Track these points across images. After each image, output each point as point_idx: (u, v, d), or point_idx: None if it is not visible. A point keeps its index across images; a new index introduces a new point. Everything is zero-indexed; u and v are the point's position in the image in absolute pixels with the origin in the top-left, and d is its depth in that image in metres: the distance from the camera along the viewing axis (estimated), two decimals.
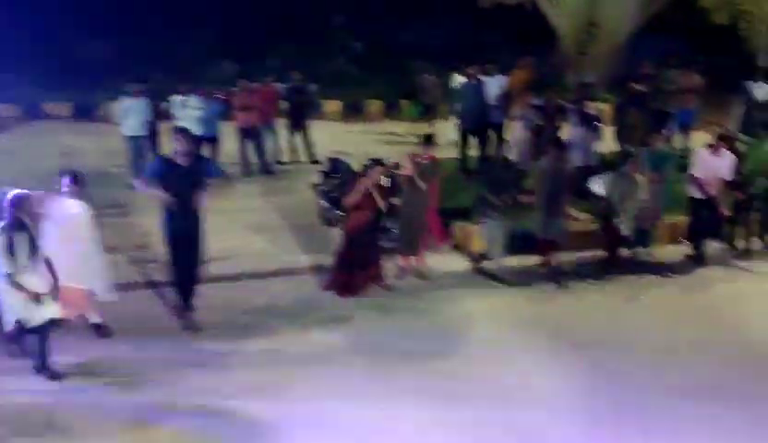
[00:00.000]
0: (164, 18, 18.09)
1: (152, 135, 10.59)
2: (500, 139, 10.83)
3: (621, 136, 10.24)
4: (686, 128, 11.90)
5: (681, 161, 9.36)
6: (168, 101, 10.85)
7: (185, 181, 6.29)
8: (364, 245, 7.23)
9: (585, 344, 6.49)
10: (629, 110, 10.41)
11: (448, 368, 6.01)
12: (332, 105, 17.00)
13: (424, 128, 13.79)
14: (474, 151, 10.88)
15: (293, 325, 6.68)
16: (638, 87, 10.40)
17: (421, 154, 7.60)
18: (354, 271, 7.24)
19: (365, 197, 7.05)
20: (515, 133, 9.64)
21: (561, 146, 8.09)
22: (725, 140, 8.23)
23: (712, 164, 8.18)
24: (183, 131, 6.72)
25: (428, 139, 7.83)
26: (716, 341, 6.64)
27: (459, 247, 8.53)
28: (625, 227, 7.84)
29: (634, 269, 8.23)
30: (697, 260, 8.49)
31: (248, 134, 11.33)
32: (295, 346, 6.32)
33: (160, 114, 10.79)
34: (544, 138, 9.53)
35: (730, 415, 5.42)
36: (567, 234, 7.97)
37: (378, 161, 7.42)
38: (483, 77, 10.82)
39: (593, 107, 9.72)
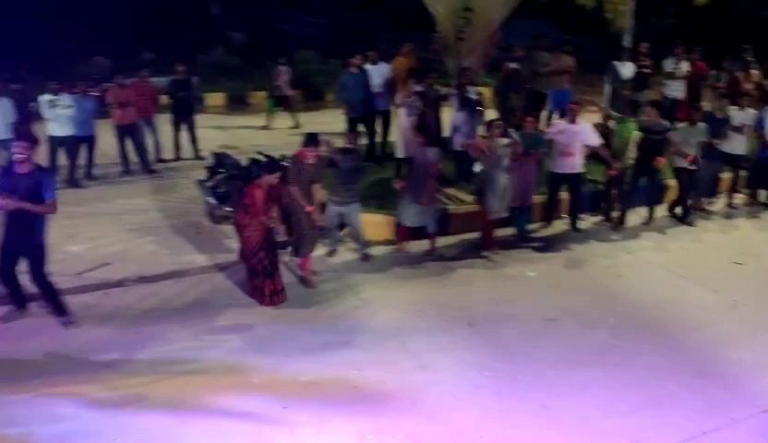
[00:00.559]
0: (29, 12, 16.91)
1: None
2: (387, 127, 10.95)
3: (502, 118, 10.58)
4: (562, 109, 12.49)
5: None
6: (37, 101, 10.16)
7: (22, 190, 5.89)
8: (271, 248, 6.93)
9: (477, 321, 6.70)
10: (507, 93, 10.78)
11: (347, 359, 6.03)
12: (216, 98, 16.60)
13: (312, 119, 13.85)
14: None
15: (187, 329, 6.46)
16: (512, 65, 10.76)
17: (306, 154, 7.31)
18: (275, 276, 6.95)
19: (262, 203, 6.75)
20: (399, 120, 9.74)
21: (426, 133, 8.27)
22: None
23: (571, 132, 8.72)
24: (23, 137, 6.20)
25: (313, 138, 7.43)
26: (599, 311, 7.00)
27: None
28: (498, 207, 8.15)
29: (517, 245, 8.61)
30: (574, 229, 9.09)
31: (127, 131, 10.84)
32: (190, 351, 6.12)
33: (30, 116, 10.09)
34: (427, 125, 9.74)
35: (614, 379, 5.76)
36: (435, 220, 8.15)
37: (271, 162, 7.23)
38: (367, 66, 10.86)
39: (474, 91, 9.97)
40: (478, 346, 6.28)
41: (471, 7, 10.08)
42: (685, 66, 12.22)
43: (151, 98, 11.34)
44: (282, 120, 13.96)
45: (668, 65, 12.26)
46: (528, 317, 6.84)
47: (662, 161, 9.01)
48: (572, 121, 8.85)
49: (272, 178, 6.86)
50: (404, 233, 8.33)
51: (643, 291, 7.50)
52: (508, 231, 8.78)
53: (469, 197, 9.07)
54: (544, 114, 11.69)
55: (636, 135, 8.94)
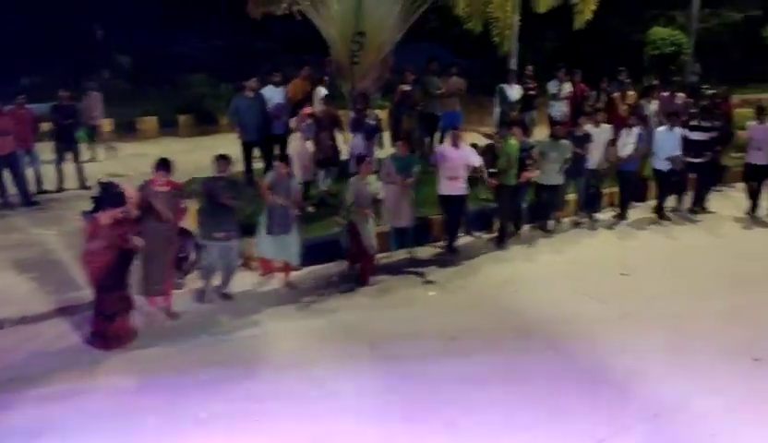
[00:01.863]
0: None
1: None
2: (283, 151, 10.83)
3: (407, 140, 10.73)
4: (456, 127, 12.80)
5: None
6: None
7: None
8: (116, 288, 6.47)
9: (380, 345, 6.69)
10: (400, 116, 10.95)
11: (248, 391, 5.85)
12: (102, 125, 15.88)
13: (204, 144, 13.48)
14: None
15: (72, 371, 6.07)
16: (405, 88, 10.94)
17: (157, 181, 6.87)
18: (113, 319, 6.45)
19: (106, 235, 6.28)
20: (295, 144, 9.66)
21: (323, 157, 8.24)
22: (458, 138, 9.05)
23: (455, 157, 8.91)
24: None
25: (164, 164, 6.93)
26: (497, 327, 7.15)
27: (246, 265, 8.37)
28: (367, 231, 8.10)
29: (404, 269, 8.71)
30: (452, 252, 9.21)
31: (4, 161, 10.18)
32: (79, 395, 5.74)
33: None
34: (322, 148, 9.74)
35: (516, 394, 5.88)
36: (297, 251, 7.91)
37: (108, 193, 6.73)
38: (267, 88, 10.71)
39: (371, 114, 10.07)
40: (382, 369, 6.27)
41: (363, 31, 10.19)
42: (567, 88, 12.85)
43: (30, 126, 10.72)
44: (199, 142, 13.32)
45: (552, 86, 12.86)
46: (430, 337, 6.90)
47: (528, 176, 9.39)
48: (455, 145, 9.04)
49: (115, 212, 6.37)
50: (266, 265, 8.18)
51: (538, 305, 7.73)
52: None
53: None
54: (437, 136, 11.95)
55: (516, 151, 9.26)
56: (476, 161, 9.07)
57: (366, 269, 8.29)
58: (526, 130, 9.99)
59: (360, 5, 10.10)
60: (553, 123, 11.75)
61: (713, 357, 6.53)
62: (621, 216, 10.77)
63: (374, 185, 8.18)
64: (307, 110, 9.67)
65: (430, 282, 8.35)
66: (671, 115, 10.82)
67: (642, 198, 11.31)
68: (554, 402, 5.77)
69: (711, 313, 7.52)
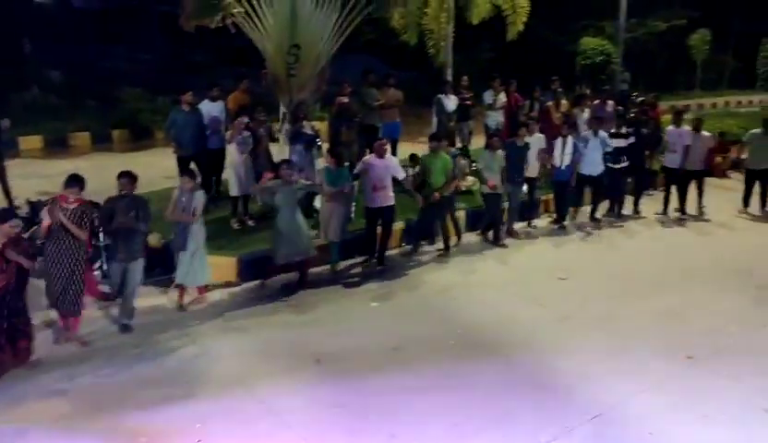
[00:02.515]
0: None
1: None
2: (220, 165, 10.67)
3: (336, 153, 10.71)
4: (393, 141, 12.87)
5: None
6: None
7: None
8: (8, 314, 6.09)
9: (324, 358, 6.63)
10: (339, 128, 10.94)
11: (190, 411, 5.70)
12: (31, 141, 15.38)
13: (139, 159, 13.18)
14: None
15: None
16: (343, 100, 10.94)
17: (66, 198, 6.62)
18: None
19: None
20: (231, 157, 9.53)
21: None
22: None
23: (379, 167, 8.93)
24: None
25: (74, 180, 6.67)
26: (439, 335, 7.18)
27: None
28: (287, 250, 8.09)
29: (346, 281, 8.71)
30: (381, 264, 9.18)
31: None
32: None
33: None
34: (259, 162, 9.64)
35: (459, 401, 5.90)
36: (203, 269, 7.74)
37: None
38: (204, 103, 10.54)
39: (309, 126, 10.03)
40: (327, 383, 6.21)
41: (298, 44, 10.14)
42: (502, 98, 13.08)
43: None
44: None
45: (487, 97, 13.08)
46: (374, 348, 6.88)
47: (449, 187, 9.52)
48: (380, 156, 9.02)
49: (7, 228, 6.02)
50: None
51: (478, 311, 7.82)
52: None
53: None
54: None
55: (446, 165, 9.40)
56: (400, 173, 9.12)
57: (303, 274, 8.32)
58: (453, 141, 10.09)
59: (295, 17, 10.05)
60: (489, 133, 11.97)
61: (649, 357, 6.72)
62: (558, 222, 11.01)
63: (300, 191, 8.19)
64: (242, 121, 9.53)
65: (372, 293, 8.34)
66: (594, 120, 11.17)
67: (580, 204, 11.60)
68: (497, 409, 5.82)
69: (646, 313, 7.76)
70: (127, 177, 7.04)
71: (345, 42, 10.85)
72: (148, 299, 7.73)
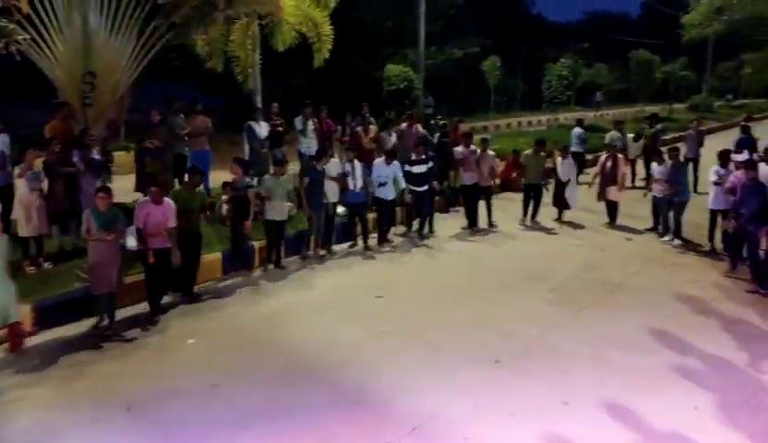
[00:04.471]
0: None
1: None
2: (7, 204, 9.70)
3: (142, 184, 10.25)
4: (204, 169, 12.53)
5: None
6: None
7: None
8: None
9: (136, 404, 6.25)
10: (145, 158, 10.47)
11: None
12: None
13: None
14: None
15: None
16: (148, 144, 10.48)
17: None
18: None
19: None
20: (20, 193, 8.72)
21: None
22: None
23: (156, 213, 8.19)
24: None
25: None
26: (260, 366, 7.06)
27: None
28: None
29: (159, 320, 8.31)
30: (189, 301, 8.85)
31: None
32: None
33: None
34: (56, 199, 8.94)
35: (279, 431, 5.82)
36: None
37: None
38: None
39: (97, 152, 9.49)
40: (140, 431, 5.83)
41: (93, 72, 9.57)
42: (311, 124, 13.21)
43: None
44: None
45: (298, 123, 13.16)
46: (191, 388, 6.58)
47: (249, 225, 9.51)
48: (155, 201, 8.20)
49: None
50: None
51: (300, 336, 7.81)
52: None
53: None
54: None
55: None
56: (173, 221, 8.28)
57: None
58: (244, 167, 9.84)
59: (89, 45, 9.52)
60: (303, 158, 12.05)
61: (461, 364, 7.08)
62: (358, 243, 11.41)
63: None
64: (32, 155, 8.75)
65: (188, 329, 8.03)
66: (387, 152, 11.81)
67: (393, 224, 12.03)
68: (318, 433, 5.80)
69: (455, 323, 8.19)
70: None
71: (150, 69, 10.45)
72: None
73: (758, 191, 9.48)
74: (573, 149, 15.76)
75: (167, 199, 8.34)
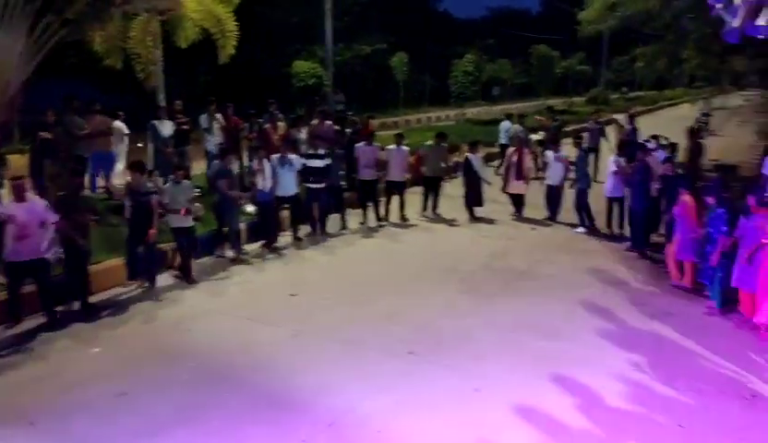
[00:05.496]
0: None
1: None
2: None
3: (41, 189, 9.77)
4: (107, 171, 12.09)
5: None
6: None
7: None
8: None
9: (39, 420, 5.96)
10: (43, 161, 9.97)
11: None
12: None
13: None
14: None
15: None
16: (44, 135, 10.00)
17: None
18: None
19: None
20: None
21: None
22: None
23: (20, 214, 7.71)
24: None
25: None
26: (170, 371, 6.88)
27: None
28: None
29: (60, 329, 7.96)
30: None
31: None
32: None
33: None
34: None
35: (194, 434, 5.71)
36: None
37: None
38: None
39: None
40: None
41: None
42: (219, 121, 12.96)
43: None
44: None
45: (203, 121, 12.88)
46: (97, 399, 6.33)
47: (153, 233, 9.06)
48: (19, 198, 7.79)
49: None
50: None
51: (212, 340, 7.66)
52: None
53: None
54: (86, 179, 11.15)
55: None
56: (52, 217, 7.93)
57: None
58: (144, 172, 9.47)
59: None
60: (209, 156, 11.80)
61: (376, 358, 7.14)
62: (268, 245, 11.18)
63: None
64: None
65: (93, 337, 7.74)
66: (287, 144, 11.71)
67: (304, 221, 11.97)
68: (234, 436, 5.72)
69: (371, 317, 8.25)
70: None
71: (45, 67, 9.88)
72: None
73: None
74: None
75: (31, 195, 7.82)
